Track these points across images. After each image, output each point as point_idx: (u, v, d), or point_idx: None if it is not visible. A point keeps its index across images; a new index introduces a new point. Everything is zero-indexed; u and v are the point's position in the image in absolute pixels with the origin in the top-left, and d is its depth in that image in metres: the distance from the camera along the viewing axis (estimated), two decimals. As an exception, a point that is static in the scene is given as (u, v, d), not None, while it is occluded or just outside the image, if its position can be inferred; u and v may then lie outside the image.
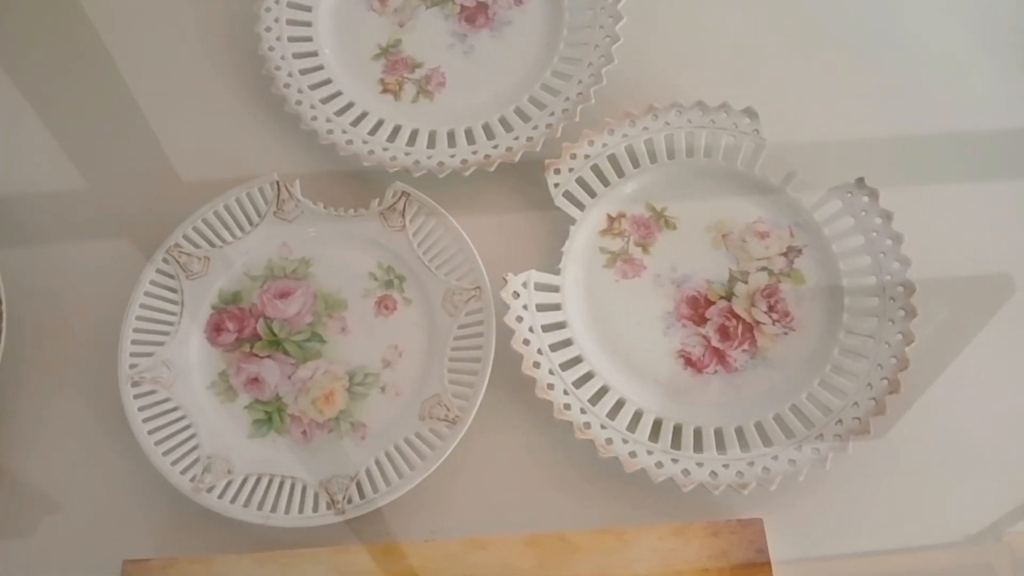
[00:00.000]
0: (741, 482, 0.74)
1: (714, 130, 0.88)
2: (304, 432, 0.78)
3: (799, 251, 0.84)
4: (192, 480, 0.75)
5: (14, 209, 0.89)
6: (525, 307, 0.80)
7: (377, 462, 0.76)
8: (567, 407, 0.77)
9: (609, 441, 0.76)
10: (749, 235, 0.85)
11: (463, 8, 0.95)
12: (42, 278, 0.86)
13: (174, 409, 0.78)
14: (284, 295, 0.83)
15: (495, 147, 0.87)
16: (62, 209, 0.90)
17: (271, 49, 0.91)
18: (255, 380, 0.80)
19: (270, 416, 0.79)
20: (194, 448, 0.77)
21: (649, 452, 0.76)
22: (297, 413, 0.79)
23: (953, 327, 0.84)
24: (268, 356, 0.81)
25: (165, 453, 0.77)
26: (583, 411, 0.77)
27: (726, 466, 0.75)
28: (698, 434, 0.77)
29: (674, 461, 0.76)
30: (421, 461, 0.76)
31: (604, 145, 0.87)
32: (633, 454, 0.76)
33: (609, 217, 0.86)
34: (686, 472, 0.75)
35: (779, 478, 0.74)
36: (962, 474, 0.77)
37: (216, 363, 0.81)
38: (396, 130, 0.89)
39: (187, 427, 0.78)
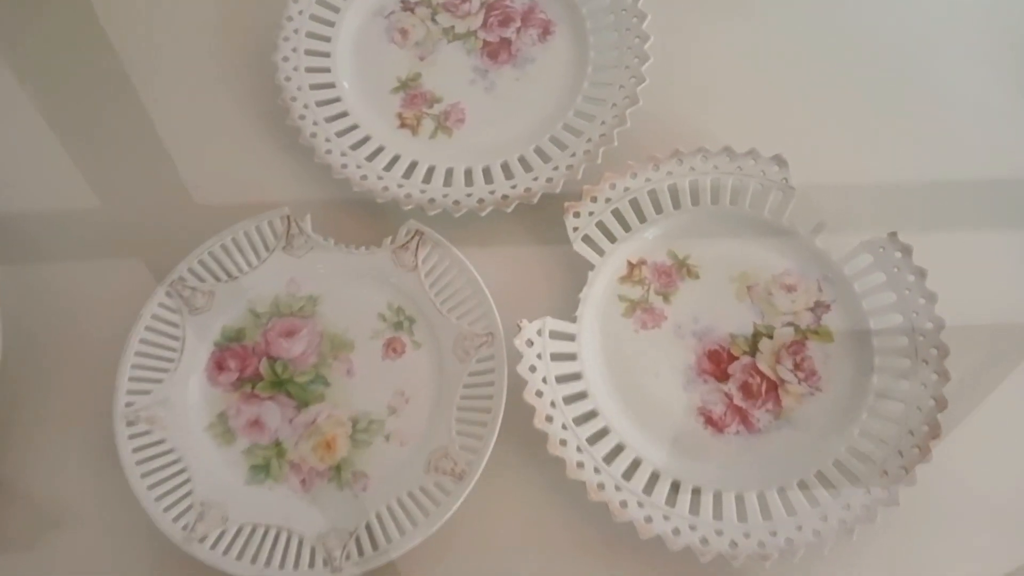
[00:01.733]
0: (762, 553, 0.70)
1: (741, 177, 0.84)
2: (303, 480, 0.75)
3: (827, 306, 0.80)
4: (184, 528, 0.72)
5: (19, 226, 0.86)
6: (539, 356, 0.77)
7: (378, 516, 0.73)
8: (580, 465, 0.73)
9: (624, 504, 0.72)
10: (775, 287, 0.81)
11: (485, 43, 0.92)
12: (45, 299, 0.83)
13: (169, 451, 0.75)
14: (290, 334, 0.80)
15: (513, 187, 0.83)
16: (69, 228, 0.86)
17: (287, 79, 0.88)
18: (255, 423, 0.77)
19: (268, 462, 0.76)
20: (188, 494, 0.74)
21: (666, 517, 0.72)
22: (297, 460, 0.76)
23: (982, 379, 0.80)
24: (270, 398, 0.78)
25: (158, 498, 0.73)
26: (597, 470, 0.73)
27: (747, 535, 0.72)
28: (717, 499, 0.73)
29: (692, 528, 0.72)
30: (424, 517, 0.72)
31: (626, 189, 0.83)
32: (649, 519, 0.72)
33: (629, 264, 0.82)
34: (704, 541, 0.71)
35: (802, 550, 0.70)
36: (993, 538, 0.73)
37: (216, 403, 0.78)
38: (412, 166, 0.86)
39: (182, 471, 0.75)
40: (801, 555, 0.70)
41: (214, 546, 0.72)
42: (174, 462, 0.75)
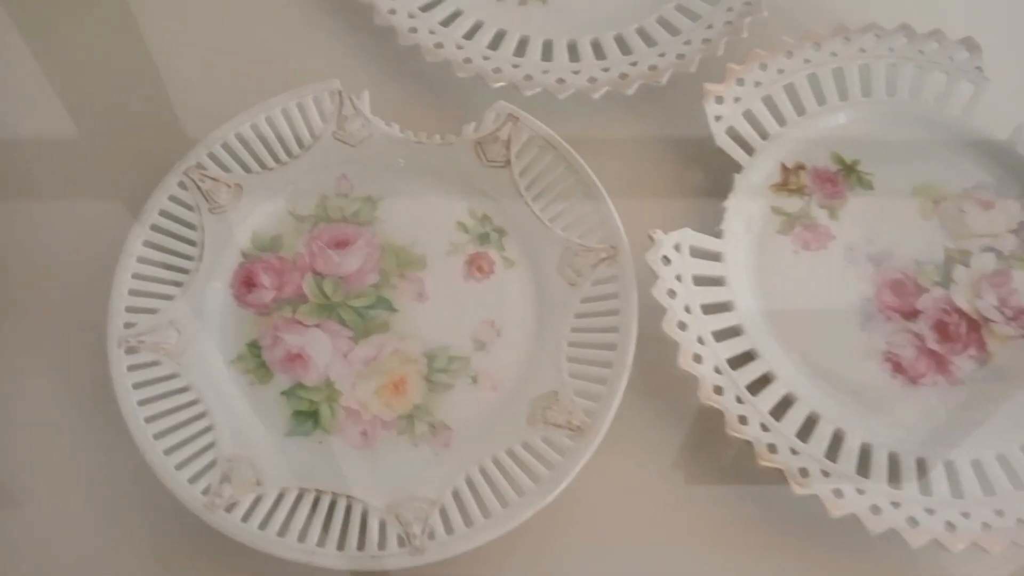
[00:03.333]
0: (989, 538, 0.52)
1: (923, 63, 0.67)
2: (364, 432, 0.56)
3: (1034, 229, 0.62)
4: (206, 493, 0.53)
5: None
6: (679, 278, 0.58)
7: (469, 481, 0.54)
8: (743, 420, 0.54)
9: (804, 472, 0.53)
10: (968, 204, 0.63)
11: None
12: (23, 210, 0.63)
13: (183, 389, 0.56)
14: (341, 244, 0.60)
15: (633, 64, 0.64)
16: (52, 107, 0.67)
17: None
18: (297, 357, 0.58)
19: (317, 408, 0.57)
20: (209, 446, 0.55)
21: (860, 491, 0.53)
22: (355, 406, 0.56)
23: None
24: (317, 325, 0.59)
25: (169, 451, 0.54)
26: (765, 427, 0.55)
27: (966, 515, 0.53)
28: (921, 467, 0.55)
29: (895, 505, 0.53)
30: (534, 484, 0.53)
31: (780, 71, 0.65)
32: (839, 492, 0.53)
33: (784, 168, 0.63)
34: (912, 521, 0.53)
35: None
36: None
37: (245, 329, 0.59)
38: (499, 36, 0.67)
39: (200, 416, 0.56)
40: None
41: (247, 517, 0.53)
42: (190, 404, 0.56)
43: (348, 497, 0.54)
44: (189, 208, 0.61)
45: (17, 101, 0.67)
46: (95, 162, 0.65)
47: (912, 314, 0.60)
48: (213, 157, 0.62)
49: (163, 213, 0.60)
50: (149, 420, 0.55)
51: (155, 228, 0.60)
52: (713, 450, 0.57)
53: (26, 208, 0.64)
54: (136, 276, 0.58)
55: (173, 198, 0.61)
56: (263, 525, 0.53)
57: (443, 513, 0.53)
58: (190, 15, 0.71)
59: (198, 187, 0.60)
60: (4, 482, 0.56)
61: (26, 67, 0.68)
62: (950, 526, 0.53)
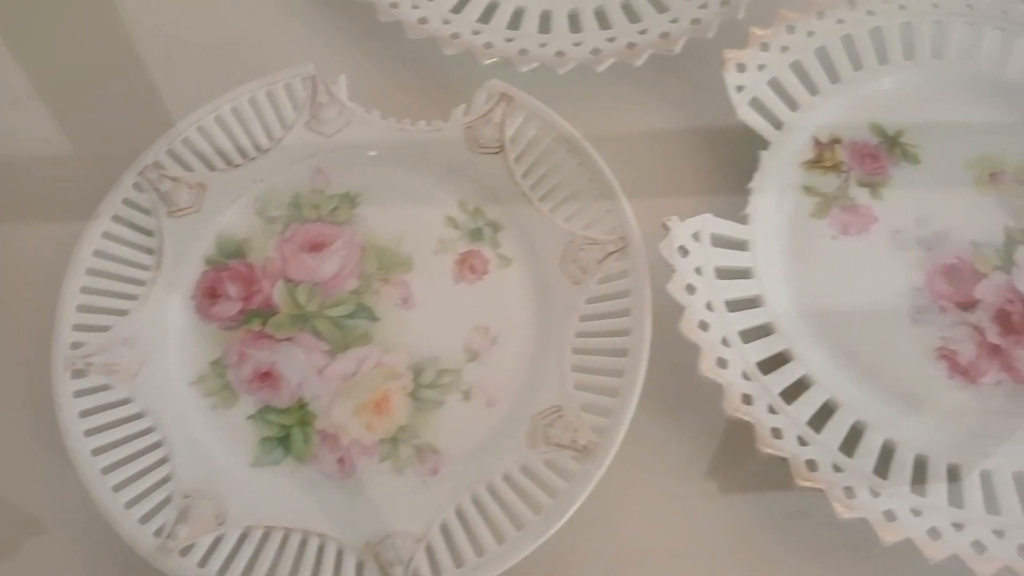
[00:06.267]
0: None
1: (973, 19, 0.59)
2: (341, 460, 0.49)
3: (1106, 202, 0.53)
4: (159, 534, 0.46)
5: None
6: (698, 271, 0.50)
7: (460, 513, 0.47)
8: (777, 434, 0.46)
9: (850, 492, 0.45)
10: (1031, 176, 0.54)
11: None
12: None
13: (137, 416, 0.50)
14: (316, 247, 0.53)
15: (642, 32, 0.56)
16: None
17: None
18: (267, 375, 0.51)
19: (288, 433, 0.50)
20: (164, 480, 0.48)
21: (916, 512, 0.45)
22: (331, 429, 0.49)
23: None
24: (289, 339, 0.52)
25: (118, 487, 0.48)
26: (803, 441, 0.47)
27: (1044, 538, 0.44)
28: (987, 481, 0.47)
29: (956, 527, 0.45)
30: (534, 515, 0.45)
31: (810, 34, 0.58)
32: (891, 515, 0.45)
33: (817, 142, 0.55)
34: (978, 546, 0.44)
35: None
36: None
37: (208, 346, 0.52)
38: (492, 7, 0.60)
39: (155, 445, 0.49)
40: None
41: (204, 561, 0.46)
42: (144, 432, 0.50)
43: (321, 535, 0.47)
44: (146, 212, 0.54)
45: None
46: (43, 163, 0.59)
47: (970, 304, 0.52)
48: (173, 155, 0.56)
49: (117, 219, 0.54)
50: (97, 452, 0.48)
51: (108, 236, 0.53)
52: (742, 469, 0.49)
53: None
54: (86, 290, 0.52)
55: (128, 201, 0.54)
56: (223, 570, 0.46)
57: (429, 551, 0.46)
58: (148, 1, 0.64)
59: (155, 188, 0.54)
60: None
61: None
62: (1023, 550, 0.45)
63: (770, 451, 0.46)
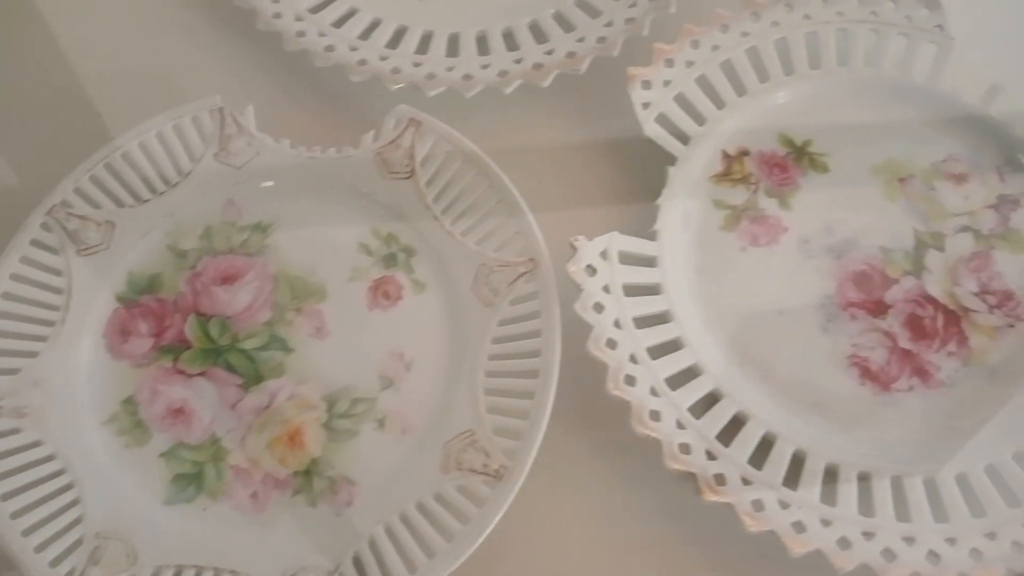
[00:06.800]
0: (981, 569, 0.44)
1: (877, 26, 0.60)
2: (254, 495, 0.49)
3: (1015, 201, 0.56)
4: (69, 576, 0.45)
5: None
6: (607, 289, 0.50)
7: (373, 544, 0.47)
8: (685, 449, 0.46)
9: (759, 506, 0.45)
10: (939, 180, 0.56)
11: None
12: None
13: (47, 459, 0.50)
14: (228, 279, 0.53)
15: (549, 52, 0.56)
16: None
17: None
18: (179, 412, 0.51)
19: (201, 470, 0.50)
20: (75, 522, 0.48)
21: (826, 522, 0.45)
22: (244, 464, 0.49)
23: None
24: (201, 374, 0.52)
25: (27, 531, 0.48)
26: (711, 455, 0.47)
27: (951, 541, 0.46)
28: (897, 487, 0.47)
29: (867, 536, 0.45)
30: (446, 543, 0.45)
31: (715, 47, 0.58)
32: (800, 526, 0.45)
33: (726, 155, 0.56)
34: (889, 554, 0.45)
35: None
36: None
37: (120, 384, 0.52)
38: (400, 32, 0.60)
39: (66, 487, 0.49)
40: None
41: (114, 604, 0.45)
42: (55, 475, 0.49)
43: (233, 572, 0.47)
44: (55, 252, 0.54)
45: None
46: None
47: (880, 310, 0.53)
48: (81, 193, 0.55)
49: (25, 260, 0.54)
50: (6, 497, 0.48)
51: (15, 278, 0.53)
52: (655, 486, 0.49)
53: None
54: (-7, 332, 0.51)
55: (36, 242, 0.54)
56: (134, 613, 0.45)
57: (342, 584, 0.46)
58: (54, 34, 0.64)
59: (63, 228, 0.54)
60: None
61: None
62: (933, 556, 0.45)
63: (677, 467, 0.46)
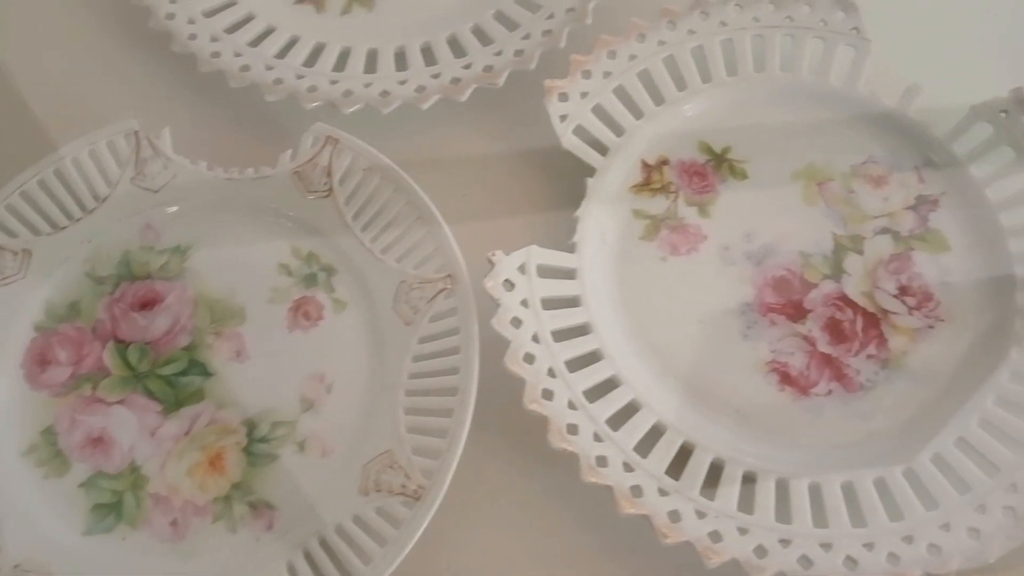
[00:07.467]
0: (898, 572, 0.44)
1: (793, 31, 0.60)
2: (174, 522, 0.49)
3: (934, 202, 0.56)
4: (-18, 613, 0.45)
5: None
6: (524, 303, 0.50)
7: (291, 569, 0.46)
8: (602, 462, 0.46)
9: (675, 516, 0.45)
10: (857, 182, 0.57)
11: None
12: None
13: (-36, 492, 0.48)
14: (147, 304, 0.53)
15: (466, 67, 0.56)
16: None
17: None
18: (98, 441, 0.51)
19: (120, 499, 0.49)
20: (-8, 555, 0.46)
21: (742, 531, 0.45)
22: (164, 491, 0.49)
23: None
24: (120, 401, 0.51)
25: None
26: (629, 466, 0.47)
27: (869, 546, 0.45)
28: (815, 493, 0.47)
29: (783, 543, 0.46)
30: (364, 566, 0.45)
31: (632, 57, 0.58)
32: (717, 535, 0.45)
33: (645, 165, 0.56)
34: (805, 561, 0.45)
35: (957, 558, 0.44)
36: None
37: (38, 415, 0.52)
38: (318, 50, 0.60)
39: (-16, 520, 0.47)
40: (957, 566, 0.44)
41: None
42: (-29, 508, 0.47)
43: (151, 601, 0.46)
44: (-31, 283, 0.53)
45: None
46: None
47: (799, 314, 0.53)
48: (-5, 222, 0.54)
49: (-61, 291, 0.53)
50: (-78, 532, 0.47)
51: (-71, 310, 0.52)
52: (573, 499, 0.49)
53: None
54: (-93, 367, 0.51)
55: (-50, 273, 0.53)
56: (51, 646, 0.45)
57: (261, 610, 0.45)
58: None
59: (-22, 258, 0.53)
60: None
61: None
62: (851, 562, 0.45)
63: (594, 480, 0.46)
